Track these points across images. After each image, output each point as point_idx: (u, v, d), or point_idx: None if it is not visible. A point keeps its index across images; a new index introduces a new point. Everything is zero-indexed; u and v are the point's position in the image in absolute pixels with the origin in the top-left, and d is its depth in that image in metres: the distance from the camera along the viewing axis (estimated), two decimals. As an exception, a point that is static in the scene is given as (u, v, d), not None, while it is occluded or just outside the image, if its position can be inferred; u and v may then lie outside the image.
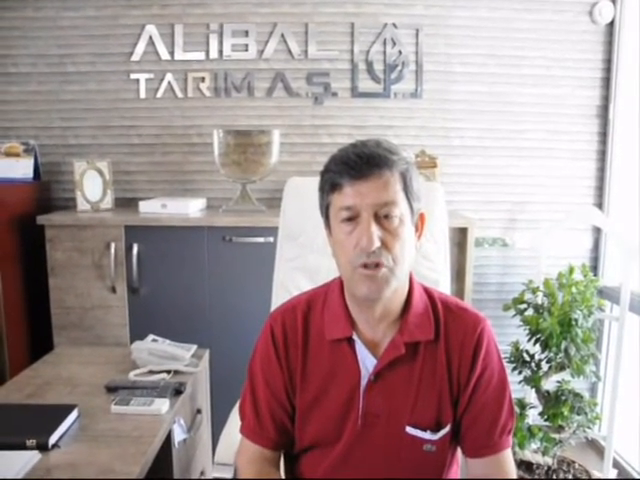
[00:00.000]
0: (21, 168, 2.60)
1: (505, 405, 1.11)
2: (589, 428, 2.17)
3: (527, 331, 2.20)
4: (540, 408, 2.23)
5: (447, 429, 1.10)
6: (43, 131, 2.75)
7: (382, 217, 1.01)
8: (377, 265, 1.01)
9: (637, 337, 2.38)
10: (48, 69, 2.72)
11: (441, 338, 1.10)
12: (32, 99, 2.74)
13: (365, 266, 1.01)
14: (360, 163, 1.00)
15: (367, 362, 1.10)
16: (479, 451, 1.11)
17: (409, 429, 1.09)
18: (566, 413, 2.12)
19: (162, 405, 1.46)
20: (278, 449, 1.18)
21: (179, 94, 2.72)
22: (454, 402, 1.10)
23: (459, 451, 1.17)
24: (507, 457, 1.12)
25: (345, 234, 1.03)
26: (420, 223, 1.10)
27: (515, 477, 1.11)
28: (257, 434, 1.16)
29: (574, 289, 2.16)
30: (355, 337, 1.10)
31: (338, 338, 1.11)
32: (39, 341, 2.43)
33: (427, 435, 1.09)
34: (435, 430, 1.09)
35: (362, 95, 2.73)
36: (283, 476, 1.21)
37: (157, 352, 1.72)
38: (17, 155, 2.61)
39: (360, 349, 1.10)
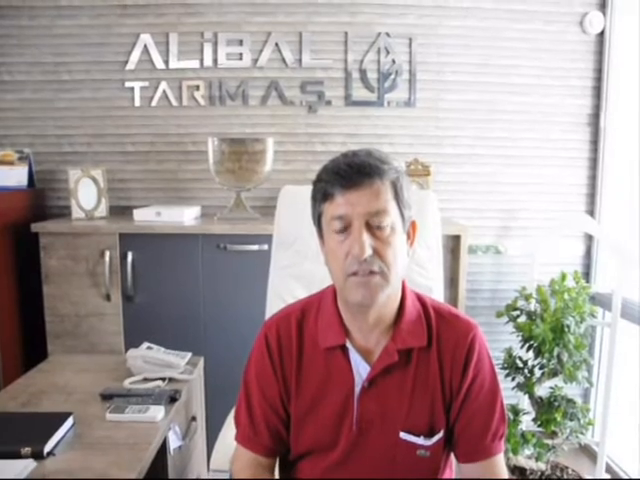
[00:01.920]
0: (15, 176, 2.61)
1: (497, 411, 1.12)
2: (582, 434, 2.18)
3: (520, 337, 2.22)
4: (533, 414, 2.24)
5: (440, 434, 1.11)
6: (38, 139, 2.76)
7: (374, 226, 1.02)
8: (370, 272, 1.02)
9: (629, 343, 2.39)
10: (43, 77, 2.73)
11: (433, 345, 1.11)
12: (27, 107, 2.74)
13: (356, 274, 1.02)
14: (351, 172, 1.02)
15: (361, 369, 1.11)
16: (472, 456, 1.12)
17: (403, 435, 1.10)
18: (559, 419, 2.13)
19: (157, 412, 1.47)
20: (273, 456, 1.19)
21: (174, 102, 2.73)
22: (447, 408, 1.11)
23: (452, 456, 1.18)
24: (499, 462, 1.13)
25: (337, 243, 1.04)
26: (412, 231, 1.11)
27: (507, 482, 1.13)
28: (252, 441, 1.16)
29: (566, 296, 2.18)
30: (348, 345, 1.11)
31: (332, 346, 1.12)
32: (33, 349, 2.42)
33: (421, 440, 1.10)
34: (429, 436, 1.10)
35: (356, 104, 2.75)
36: (278, 482, 1.21)
37: (152, 360, 1.73)
38: (11, 163, 2.62)
39: (354, 356, 1.11)
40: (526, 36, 2.70)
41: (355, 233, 1.02)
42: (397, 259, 1.04)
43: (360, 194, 1.02)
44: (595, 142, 2.76)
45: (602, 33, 2.69)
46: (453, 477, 1.22)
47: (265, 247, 2.24)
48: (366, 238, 1.01)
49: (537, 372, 2.23)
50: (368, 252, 1.00)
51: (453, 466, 1.21)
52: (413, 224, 1.11)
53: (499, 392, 1.13)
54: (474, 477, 1.12)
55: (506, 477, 1.13)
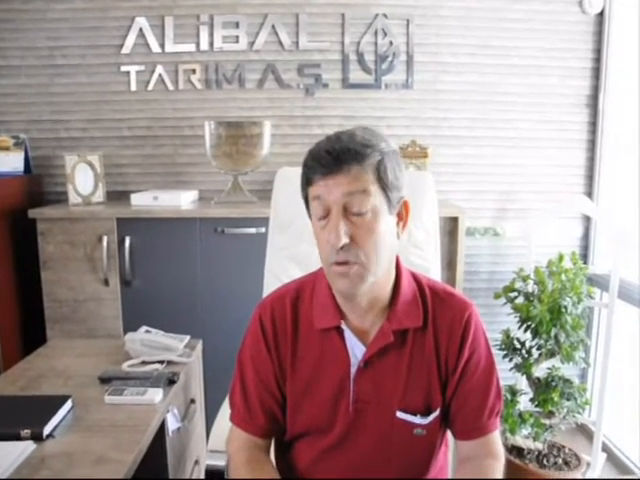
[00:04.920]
0: (11, 162, 2.60)
1: (493, 388, 1.13)
2: (579, 413, 2.20)
3: (517, 319, 2.23)
4: (531, 394, 2.26)
5: (436, 413, 1.11)
6: (33, 124, 2.74)
7: (354, 213, 1.01)
8: (347, 263, 1.01)
9: (626, 324, 2.40)
10: (38, 62, 2.71)
11: (429, 324, 1.11)
12: (22, 92, 2.73)
13: (337, 263, 1.02)
14: (329, 160, 1.01)
15: (356, 350, 1.11)
16: (468, 434, 1.13)
17: (399, 414, 1.10)
18: (556, 399, 2.14)
19: (155, 395, 1.48)
20: (268, 437, 1.19)
21: (170, 86, 2.72)
22: (443, 386, 1.12)
23: (449, 433, 1.19)
24: (495, 438, 1.14)
25: (320, 229, 1.05)
26: (404, 211, 1.10)
27: (503, 457, 1.14)
28: (247, 422, 1.17)
29: (564, 277, 2.18)
30: (344, 326, 1.11)
31: (327, 327, 1.12)
32: (32, 335, 2.43)
33: (417, 419, 1.10)
34: (425, 414, 1.11)
35: (353, 86, 2.73)
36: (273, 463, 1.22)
37: (150, 343, 1.73)
38: (7, 149, 2.61)
39: (349, 337, 1.11)
40: (525, 17, 2.68)
41: (332, 221, 1.01)
42: (379, 246, 1.02)
43: (337, 180, 1.00)
44: (594, 123, 2.75)
45: (602, 13, 2.66)
46: (449, 453, 1.24)
47: (262, 230, 2.24)
48: (342, 226, 1.00)
49: (535, 353, 2.24)
50: (344, 240, 0.99)
51: (449, 443, 1.22)
52: (405, 204, 1.10)
53: (495, 369, 1.14)
54: (471, 453, 1.13)
55: (502, 453, 1.14)
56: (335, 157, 1.00)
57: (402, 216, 1.09)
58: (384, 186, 1.03)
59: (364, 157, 1.01)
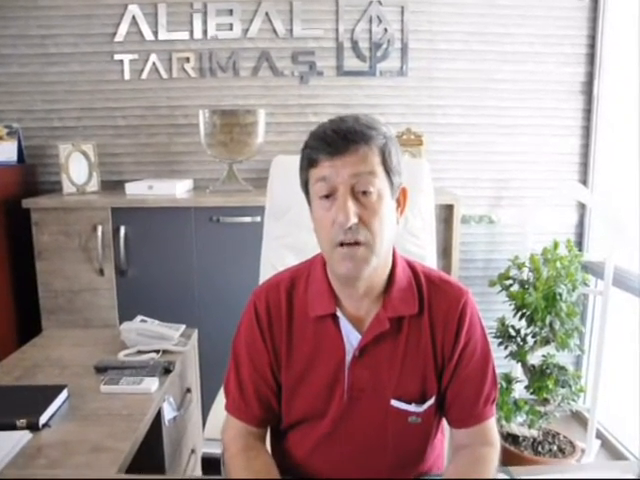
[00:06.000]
0: (5, 152, 2.58)
1: (488, 376, 1.12)
2: (573, 400, 2.21)
3: (513, 306, 2.23)
4: (526, 382, 2.27)
5: (432, 401, 1.11)
6: (26, 114, 2.72)
7: (360, 193, 1.00)
8: (356, 243, 1.00)
9: (620, 311, 2.41)
10: (30, 50, 2.68)
11: (425, 312, 1.10)
12: (14, 81, 2.70)
13: (343, 244, 1.01)
14: (337, 139, 1.00)
15: (351, 338, 1.10)
16: (464, 421, 1.13)
17: (394, 402, 1.10)
18: (551, 386, 2.16)
19: (151, 384, 1.48)
20: (263, 426, 1.18)
21: (164, 75, 2.70)
22: (438, 374, 1.11)
23: (444, 421, 1.19)
24: (491, 425, 1.14)
25: (323, 211, 1.03)
26: (402, 198, 1.10)
27: (498, 445, 1.14)
28: (242, 411, 1.16)
29: (558, 264, 2.19)
30: (339, 313, 1.10)
31: (322, 315, 1.11)
32: (27, 325, 2.43)
33: (412, 407, 1.10)
34: (420, 402, 1.10)
35: (348, 74, 2.72)
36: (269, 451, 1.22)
37: (146, 332, 1.73)
38: (0, 139, 2.59)
39: (344, 325, 1.11)
40: (519, 3, 2.67)
41: (340, 200, 1.00)
42: (384, 227, 1.02)
43: (345, 160, 1.00)
44: (588, 110, 2.74)
45: (596, -1, 2.66)
46: (445, 440, 1.24)
47: (258, 219, 2.23)
48: (351, 205, 0.99)
49: (530, 340, 2.25)
50: (353, 220, 0.99)
51: (445, 430, 1.22)
52: (403, 191, 1.09)
53: (490, 357, 1.13)
54: (467, 441, 1.13)
55: (498, 440, 1.14)
56: (342, 137, 1.00)
57: (400, 202, 1.09)
58: (388, 170, 1.03)
59: (370, 138, 1.01)
